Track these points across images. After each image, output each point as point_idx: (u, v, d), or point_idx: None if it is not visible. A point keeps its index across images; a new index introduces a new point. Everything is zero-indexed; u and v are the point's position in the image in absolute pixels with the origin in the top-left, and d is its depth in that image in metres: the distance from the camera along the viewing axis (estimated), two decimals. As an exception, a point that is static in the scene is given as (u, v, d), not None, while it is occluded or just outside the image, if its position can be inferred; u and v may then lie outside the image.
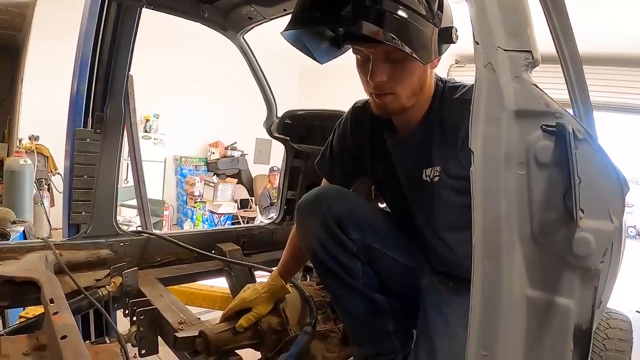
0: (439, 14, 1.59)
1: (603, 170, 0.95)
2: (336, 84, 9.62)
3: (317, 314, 2.16)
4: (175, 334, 1.93)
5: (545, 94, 0.99)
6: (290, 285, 2.18)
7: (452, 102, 1.75)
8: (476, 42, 1.02)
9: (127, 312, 2.24)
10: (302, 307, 2.18)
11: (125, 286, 2.33)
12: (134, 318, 2.10)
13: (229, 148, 12.16)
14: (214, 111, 11.85)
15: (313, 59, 1.82)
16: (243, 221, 10.95)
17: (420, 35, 1.52)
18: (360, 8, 1.47)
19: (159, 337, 2.12)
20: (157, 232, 2.91)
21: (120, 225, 2.69)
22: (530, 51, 0.99)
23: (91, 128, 2.56)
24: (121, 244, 2.64)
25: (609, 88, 7.55)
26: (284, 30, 1.63)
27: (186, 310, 2.17)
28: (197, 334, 1.90)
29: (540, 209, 0.98)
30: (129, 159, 3.51)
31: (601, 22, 6.04)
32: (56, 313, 1.65)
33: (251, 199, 11.89)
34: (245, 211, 11.31)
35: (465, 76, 8.69)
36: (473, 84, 1.66)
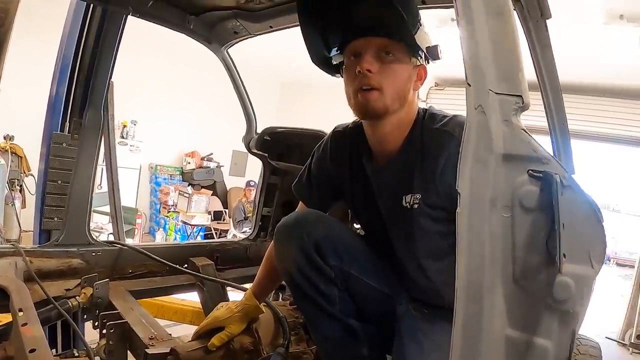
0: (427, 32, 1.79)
1: (586, 216, 0.98)
2: (315, 99, 9.69)
3: (290, 335, 2.14)
4: (146, 350, 1.89)
5: (533, 139, 1.00)
6: (263, 305, 2.16)
7: (432, 131, 1.77)
8: (468, 84, 1.04)
9: (96, 324, 2.22)
10: (275, 327, 2.17)
11: (95, 298, 2.30)
12: (104, 331, 2.07)
13: (205, 159, 12.09)
14: (192, 121, 11.77)
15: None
16: (216, 233, 10.90)
17: (420, 30, 1.73)
18: None
19: (128, 351, 2.09)
20: (129, 243, 2.87)
21: (92, 234, 2.65)
22: (521, 96, 1.00)
23: (68, 133, 2.52)
24: (93, 254, 2.60)
25: (586, 117, 7.71)
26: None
27: (157, 326, 2.13)
28: (168, 351, 1.87)
29: (523, 251, 1.00)
30: (104, 164, 3.47)
31: (581, 52, 6.15)
32: (25, 324, 1.62)
33: (225, 211, 11.84)
34: (218, 223, 11.27)
35: (445, 99, 8.84)
36: (453, 116, 1.73)
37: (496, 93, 1.01)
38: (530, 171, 0.99)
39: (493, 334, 1.00)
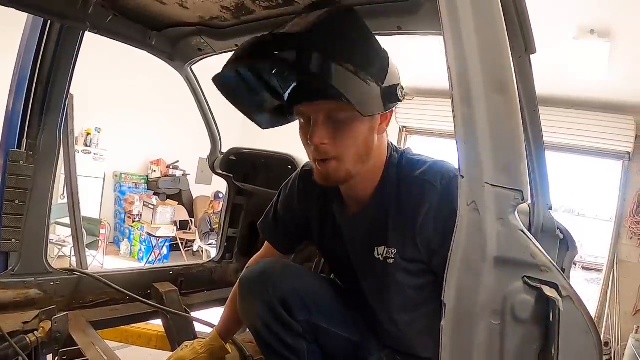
0: (383, 71, 1.54)
1: (583, 331, 0.90)
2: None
3: (256, 375, 2.08)
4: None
5: (533, 242, 0.91)
6: (229, 343, 2.09)
7: (411, 179, 1.66)
8: (461, 176, 0.94)
9: (56, 359, 2.13)
10: (241, 367, 2.10)
11: (54, 332, 2.21)
12: (63, 369, 1.99)
13: (171, 167, 11.92)
14: (157, 128, 11.58)
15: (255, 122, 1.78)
16: (182, 243, 10.75)
17: (359, 87, 1.44)
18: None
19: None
20: (89, 271, 2.76)
21: (50, 263, 2.54)
22: (521, 191, 0.91)
23: (25, 150, 2.40)
24: (51, 283, 2.50)
25: (555, 129, 7.79)
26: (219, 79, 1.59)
27: (119, 364, 2.06)
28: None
29: (510, 364, 0.91)
30: (65, 175, 3.34)
31: (550, 65, 6.21)
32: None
33: (191, 220, 11.69)
34: (184, 233, 11.13)
35: (414, 109, 8.78)
36: (434, 162, 1.64)
37: (493, 185, 0.92)
38: (525, 278, 0.91)
39: None
